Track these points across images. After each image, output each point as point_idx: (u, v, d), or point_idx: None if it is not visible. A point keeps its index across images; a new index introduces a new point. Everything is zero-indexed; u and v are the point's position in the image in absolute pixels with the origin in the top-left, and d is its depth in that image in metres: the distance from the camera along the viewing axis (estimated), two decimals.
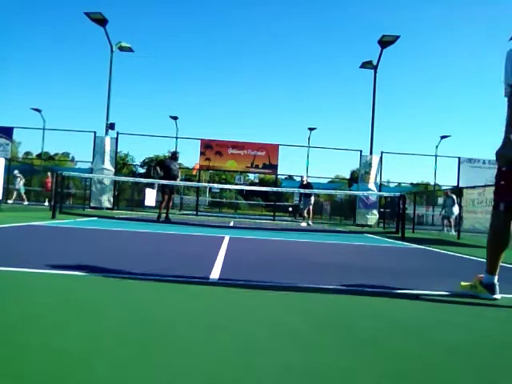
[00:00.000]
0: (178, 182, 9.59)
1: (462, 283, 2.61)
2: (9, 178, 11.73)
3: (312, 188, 13.45)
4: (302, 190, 13.25)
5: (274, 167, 17.46)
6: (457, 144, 68.65)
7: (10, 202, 15.40)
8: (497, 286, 2.40)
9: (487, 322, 1.99)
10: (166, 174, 9.75)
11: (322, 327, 1.70)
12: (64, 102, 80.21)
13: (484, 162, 17.97)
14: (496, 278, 2.42)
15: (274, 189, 11.29)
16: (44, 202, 16.70)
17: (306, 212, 13.70)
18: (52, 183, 16.50)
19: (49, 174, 17.02)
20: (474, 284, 2.49)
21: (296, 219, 21.09)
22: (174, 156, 10.28)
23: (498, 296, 2.41)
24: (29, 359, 1.16)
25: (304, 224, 13.24)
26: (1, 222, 5.84)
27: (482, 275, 2.51)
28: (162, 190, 10.28)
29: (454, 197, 12.59)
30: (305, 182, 13.49)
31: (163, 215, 9.89)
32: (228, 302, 2.07)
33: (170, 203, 10.41)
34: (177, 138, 22.74)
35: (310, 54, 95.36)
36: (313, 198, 13.86)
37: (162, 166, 10.03)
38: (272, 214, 18.40)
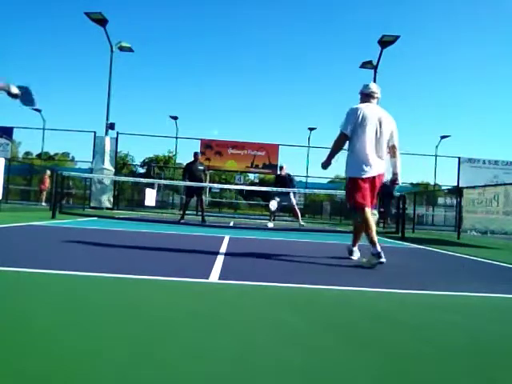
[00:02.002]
0: (190, 183, 9.51)
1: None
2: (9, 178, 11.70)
3: (292, 182, 10.15)
4: (272, 190, 9.81)
5: (273, 167, 17.47)
6: (457, 144, 68.63)
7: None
8: (354, 252, 4.11)
9: (486, 322, 1.99)
10: (190, 179, 9.69)
11: (322, 327, 1.70)
12: (64, 102, 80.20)
13: (484, 162, 17.97)
14: (356, 248, 4.13)
15: (274, 189, 11.19)
16: (41, 201, 16.52)
17: (272, 211, 10.25)
18: (48, 183, 16.42)
19: (48, 171, 16.78)
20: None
21: (296, 219, 20.97)
22: (195, 157, 10.04)
23: (354, 257, 4.04)
24: (29, 359, 1.16)
25: (271, 224, 9.98)
26: (1, 222, 5.84)
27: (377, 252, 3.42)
28: (185, 193, 10.74)
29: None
30: (283, 173, 10.09)
31: (185, 217, 10.06)
32: (228, 301, 2.07)
33: (203, 205, 10.48)
34: (177, 137, 22.80)
35: (310, 54, 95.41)
36: (293, 197, 10.33)
37: (187, 172, 9.96)
38: None
